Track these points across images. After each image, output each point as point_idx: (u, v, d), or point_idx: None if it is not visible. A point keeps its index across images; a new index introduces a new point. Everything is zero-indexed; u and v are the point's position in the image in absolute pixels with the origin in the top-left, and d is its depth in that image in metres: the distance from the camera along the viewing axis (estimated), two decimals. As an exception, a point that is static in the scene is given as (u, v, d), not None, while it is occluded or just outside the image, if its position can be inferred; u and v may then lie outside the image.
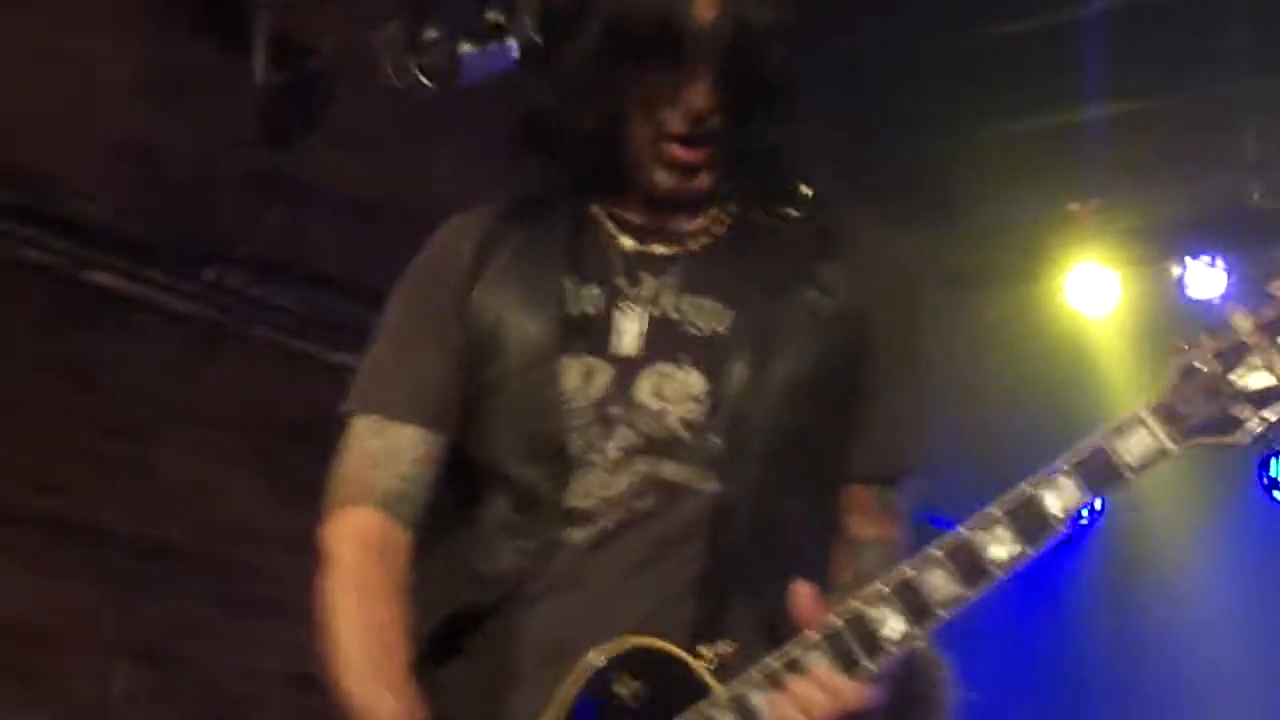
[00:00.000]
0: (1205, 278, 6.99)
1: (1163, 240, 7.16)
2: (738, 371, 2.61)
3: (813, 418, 2.63)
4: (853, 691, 2.42)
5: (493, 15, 5.69)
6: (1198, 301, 6.91)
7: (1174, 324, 6.91)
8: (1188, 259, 7.08)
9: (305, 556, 7.16)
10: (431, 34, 5.76)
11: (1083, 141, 6.98)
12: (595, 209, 2.73)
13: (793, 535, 2.63)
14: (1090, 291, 7.20)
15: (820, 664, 2.43)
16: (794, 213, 2.71)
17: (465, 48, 5.75)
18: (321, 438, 7.13)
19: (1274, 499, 7.13)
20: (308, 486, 7.15)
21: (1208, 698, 7.04)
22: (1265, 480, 7.39)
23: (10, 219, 5.87)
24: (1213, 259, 6.97)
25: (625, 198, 2.71)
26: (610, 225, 2.71)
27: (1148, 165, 6.99)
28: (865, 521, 2.67)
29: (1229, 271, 6.94)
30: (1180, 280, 7.08)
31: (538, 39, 5.56)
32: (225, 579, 6.43)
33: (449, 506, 2.70)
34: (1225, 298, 6.86)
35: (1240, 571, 6.94)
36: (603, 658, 2.50)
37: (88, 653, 6.07)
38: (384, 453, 2.69)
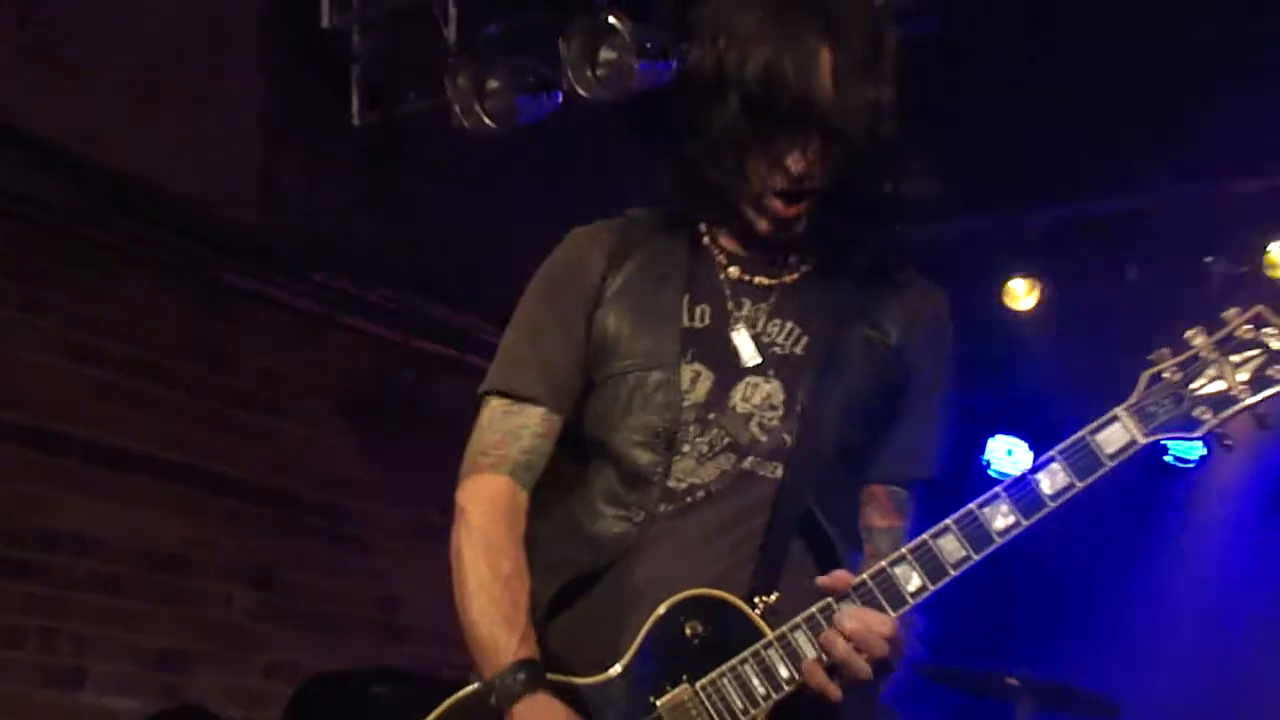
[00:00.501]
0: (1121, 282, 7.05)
1: (1084, 249, 7.06)
2: (808, 385, 2.61)
3: (859, 428, 2.64)
4: (883, 622, 2.45)
5: (543, 70, 5.74)
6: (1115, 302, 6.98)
7: (1092, 321, 7.08)
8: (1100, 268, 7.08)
9: (390, 503, 7.30)
10: (494, 84, 5.81)
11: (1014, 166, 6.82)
12: (706, 239, 2.71)
13: (834, 516, 2.63)
14: (1021, 292, 7.14)
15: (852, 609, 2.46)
16: (861, 262, 2.69)
17: (521, 96, 5.78)
18: (404, 409, 7.29)
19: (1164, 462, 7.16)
20: (392, 447, 7.34)
21: (1103, 605, 7.16)
22: (1159, 445, 7.35)
23: (161, 230, 5.89)
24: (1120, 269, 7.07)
25: (729, 230, 2.70)
26: (719, 255, 2.70)
27: (1069, 186, 6.85)
28: (880, 513, 2.68)
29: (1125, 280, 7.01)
30: (1090, 285, 7.09)
31: (581, 90, 5.75)
32: (326, 520, 6.47)
33: (563, 471, 2.68)
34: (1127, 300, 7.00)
35: (1131, 506, 6.97)
36: (665, 607, 2.52)
37: (216, 578, 6.08)
38: (513, 428, 2.65)
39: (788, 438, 2.59)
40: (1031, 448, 7.38)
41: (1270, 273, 6.52)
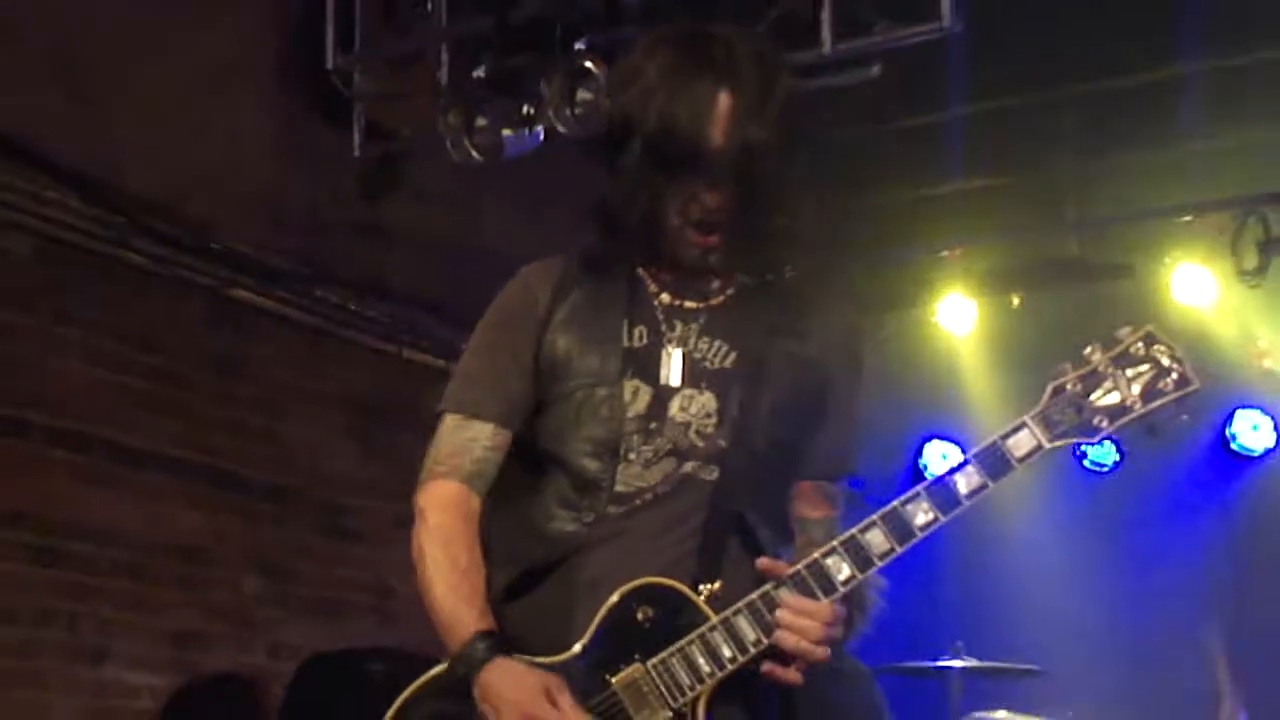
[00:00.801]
0: (1040, 308, 7.08)
1: (1008, 279, 7.18)
2: (738, 396, 2.63)
3: (786, 431, 2.66)
4: (823, 609, 2.49)
5: (525, 108, 5.74)
6: (1035, 324, 6.99)
7: (1016, 341, 7.12)
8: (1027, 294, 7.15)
9: (384, 499, 7.26)
10: (481, 122, 5.80)
11: (950, 206, 7.05)
12: (640, 270, 2.73)
13: (766, 513, 2.66)
14: (955, 316, 7.29)
15: (789, 597, 2.49)
16: (781, 282, 2.71)
17: (506, 132, 5.77)
18: (397, 414, 7.28)
19: (1083, 466, 7.18)
20: (387, 449, 7.31)
21: (1031, 595, 7.14)
22: (1078, 452, 7.35)
23: (179, 250, 5.87)
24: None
25: (661, 262, 2.71)
26: (651, 284, 2.72)
27: (997, 224, 7.04)
28: (810, 506, 2.71)
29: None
30: (1019, 309, 7.16)
31: (559, 127, 5.80)
32: (327, 514, 6.44)
33: (520, 480, 2.70)
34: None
35: (1054, 508, 6.98)
36: (618, 594, 2.55)
37: (227, 567, 6.05)
38: (466, 442, 2.68)
39: (723, 443, 2.62)
40: (963, 452, 7.42)
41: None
